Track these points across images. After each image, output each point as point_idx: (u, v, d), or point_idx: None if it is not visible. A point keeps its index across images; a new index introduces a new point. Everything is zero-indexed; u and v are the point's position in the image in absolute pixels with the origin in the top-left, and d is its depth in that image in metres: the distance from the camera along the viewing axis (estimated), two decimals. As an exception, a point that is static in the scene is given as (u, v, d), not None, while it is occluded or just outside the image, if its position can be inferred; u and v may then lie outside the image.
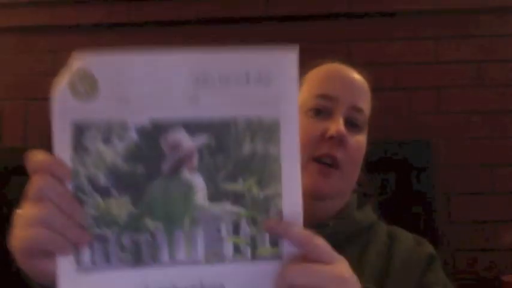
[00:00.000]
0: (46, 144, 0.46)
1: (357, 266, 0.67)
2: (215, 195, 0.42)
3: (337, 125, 0.66)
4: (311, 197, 0.67)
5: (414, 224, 1.43)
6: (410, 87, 1.57)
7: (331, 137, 0.66)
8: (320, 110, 0.68)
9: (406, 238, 0.74)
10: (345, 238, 0.70)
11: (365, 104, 0.73)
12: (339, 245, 0.70)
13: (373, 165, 1.63)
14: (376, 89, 1.71)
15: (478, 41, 1.58)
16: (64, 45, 1.69)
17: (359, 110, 0.70)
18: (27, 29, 1.71)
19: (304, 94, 0.71)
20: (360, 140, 0.70)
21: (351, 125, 0.69)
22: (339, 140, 0.66)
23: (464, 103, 1.55)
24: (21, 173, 1.56)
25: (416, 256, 0.71)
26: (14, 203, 1.66)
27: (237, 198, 0.42)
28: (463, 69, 1.57)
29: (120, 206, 0.41)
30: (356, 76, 0.74)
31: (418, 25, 1.61)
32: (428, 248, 0.73)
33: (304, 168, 0.65)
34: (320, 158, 0.67)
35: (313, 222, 0.69)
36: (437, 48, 1.59)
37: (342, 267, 0.44)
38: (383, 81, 1.58)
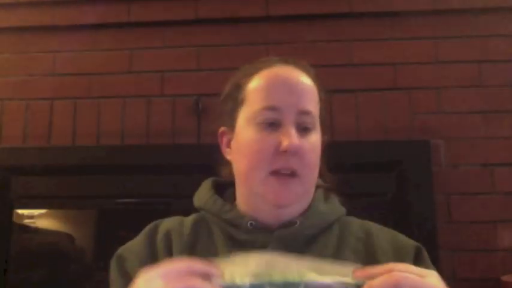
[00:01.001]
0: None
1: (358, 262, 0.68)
2: None
3: (289, 138, 0.68)
4: (275, 206, 0.71)
5: (414, 224, 1.44)
6: (410, 87, 1.57)
7: (286, 151, 0.68)
8: (270, 123, 0.70)
9: (379, 230, 0.76)
10: (315, 233, 0.73)
11: (312, 103, 0.73)
12: (310, 240, 0.72)
13: (373, 165, 1.64)
14: (376, 89, 1.73)
15: (478, 41, 1.58)
16: (64, 45, 1.69)
17: (307, 112, 0.71)
18: (27, 29, 1.71)
19: (252, 106, 0.72)
20: (312, 141, 0.72)
21: (302, 128, 0.70)
22: (293, 152, 0.68)
23: (464, 103, 1.55)
24: (21, 173, 1.58)
25: (400, 248, 0.73)
26: (14, 203, 1.67)
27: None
28: (463, 69, 1.57)
29: None
30: (298, 78, 0.74)
31: (418, 25, 1.61)
32: (410, 240, 0.75)
33: (264, 181, 0.69)
34: (278, 171, 0.69)
35: (281, 222, 0.71)
36: (437, 48, 1.59)
37: (433, 278, 0.54)
38: (383, 81, 1.58)
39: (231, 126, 0.76)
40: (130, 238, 0.79)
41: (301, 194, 0.72)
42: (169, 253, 0.74)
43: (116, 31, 1.69)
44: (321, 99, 0.76)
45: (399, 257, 0.70)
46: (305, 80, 0.74)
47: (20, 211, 1.63)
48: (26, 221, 1.64)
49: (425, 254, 0.73)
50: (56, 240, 1.64)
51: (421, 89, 1.56)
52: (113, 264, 0.75)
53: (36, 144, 1.62)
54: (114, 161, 1.57)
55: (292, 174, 0.69)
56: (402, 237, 0.75)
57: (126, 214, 1.62)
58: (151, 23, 1.67)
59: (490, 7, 1.58)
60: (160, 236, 0.76)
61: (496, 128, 1.52)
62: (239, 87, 0.75)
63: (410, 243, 0.73)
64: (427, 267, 0.68)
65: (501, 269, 1.41)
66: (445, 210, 1.48)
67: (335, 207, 0.78)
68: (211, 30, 1.66)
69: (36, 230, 1.64)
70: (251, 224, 0.72)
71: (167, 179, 1.55)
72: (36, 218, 1.65)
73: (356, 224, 0.77)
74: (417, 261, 0.70)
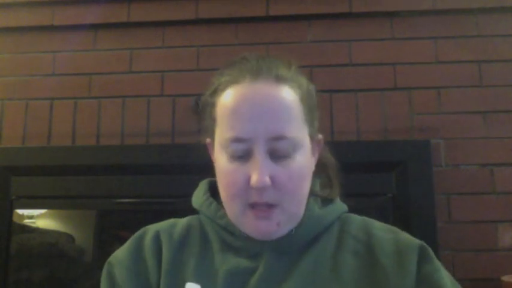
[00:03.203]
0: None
1: (332, 267, 0.67)
2: None
3: (257, 174, 0.62)
4: (261, 237, 0.67)
5: (414, 224, 1.44)
6: (410, 87, 1.57)
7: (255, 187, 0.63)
8: (240, 155, 0.64)
9: (380, 230, 0.72)
10: (312, 237, 0.71)
11: (288, 123, 0.64)
12: (307, 244, 0.70)
13: (373, 165, 1.64)
14: (376, 89, 1.73)
15: (478, 41, 1.58)
16: (64, 45, 1.69)
17: (280, 138, 0.63)
18: (27, 29, 1.71)
19: (221, 132, 0.66)
20: (292, 166, 0.64)
21: (277, 154, 0.64)
22: (264, 188, 0.63)
23: (464, 103, 1.55)
24: (21, 173, 1.58)
25: (403, 248, 0.69)
26: (14, 203, 1.68)
27: None
28: (463, 69, 1.57)
29: None
30: (268, 99, 0.64)
31: (418, 25, 1.61)
32: (411, 238, 0.71)
33: (243, 213, 0.66)
34: (254, 204, 0.65)
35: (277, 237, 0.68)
36: (437, 48, 1.59)
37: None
38: (383, 81, 1.58)
39: (212, 140, 0.71)
40: (126, 240, 0.79)
41: (286, 221, 0.67)
42: (159, 255, 0.72)
43: (116, 31, 1.69)
44: (305, 103, 0.68)
45: (402, 259, 0.67)
46: (278, 96, 0.65)
47: (20, 211, 1.63)
48: (26, 221, 1.64)
49: (430, 252, 0.69)
50: (55, 240, 1.63)
51: (421, 89, 1.56)
52: (104, 271, 0.74)
53: (36, 144, 1.62)
54: (114, 161, 1.57)
55: (270, 205, 0.65)
56: (405, 237, 0.71)
57: (126, 214, 1.62)
58: (151, 23, 1.67)
59: (490, 7, 1.58)
60: (148, 240, 0.74)
61: (496, 128, 1.52)
62: (212, 104, 0.70)
63: (413, 243, 0.69)
64: (433, 266, 0.66)
65: (501, 269, 1.41)
66: (445, 210, 1.48)
67: (333, 208, 0.74)
68: (211, 30, 1.66)
69: (36, 230, 1.64)
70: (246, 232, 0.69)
71: (167, 179, 1.55)
72: (36, 218, 1.65)
73: (356, 223, 0.74)
74: (422, 261, 0.67)
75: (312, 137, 0.71)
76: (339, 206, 0.76)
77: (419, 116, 1.55)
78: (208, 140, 0.73)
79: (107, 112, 1.63)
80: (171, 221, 0.78)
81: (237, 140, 0.64)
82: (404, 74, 1.58)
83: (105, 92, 1.65)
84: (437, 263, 0.68)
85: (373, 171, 1.51)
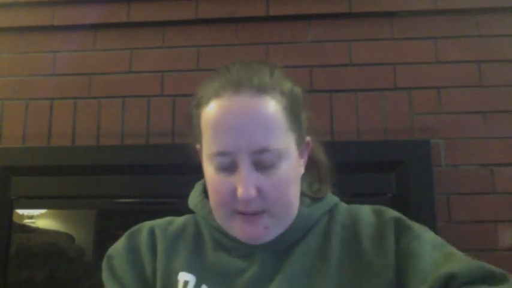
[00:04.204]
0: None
1: (321, 257, 0.69)
2: None
3: (243, 188, 0.63)
4: (249, 241, 0.69)
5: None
6: (410, 87, 1.57)
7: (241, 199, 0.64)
8: (225, 168, 0.65)
9: (366, 215, 0.73)
10: (302, 234, 0.72)
11: (270, 137, 0.64)
12: (297, 240, 0.71)
13: (373, 165, 1.64)
14: (376, 89, 1.73)
15: (478, 41, 1.58)
16: (64, 45, 1.69)
17: (264, 150, 0.64)
18: (27, 29, 1.71)
19: (206, 145, 0.67)
20: (278, 175, 0.65)
21: (261, 165, 0.65)
22: (250, 200, 0.64)
23: (464, 103, 1.55)
24: (21, 173, 1.57)
25: (382, 228, 0.70)
26: (14, 203, 1.67)
27: None
28: (463, 69, 1.57)
29: None
30: (250, 112, 0.64)
31: (418, 25, 1.61)
32: (389, 214, 0.72)
33: (230, 218, 0.67)
34: (241, 212, 0.66)
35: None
36: (437, 48, 1.59)
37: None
38: (383, 81, 1.58)
39: (200, 148, 0.73)
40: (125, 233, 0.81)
41: (274, 224, 0.68)
42: (154, 249, 0.75)
43: (116, 31, 1.69)
44: (288, 111, 0.67)
45: (382, 240, 0.69)
46: (260, 109, 0.64)
47: (20, 211, 1.63)
48: (26, 221, 1.64)
49: (405, 223, 0.70)
50: (55, 240, 1.63)
51: (421, 89, 1.56)
52: (104, 264, 0.77)
53: (36, 144, 1.62)
54: (114, 161, 1.57)
55: (257, 212, 0.66)
56: (385, 216, 0.72)
57: (126, 214, 1.62)
58: (151, 23, 1.67)
59: (490, 7, 1.58)
60: (144, 234, 0.77)
61: (496, 128, 1.52)
62: (197, 116, 0.71)
63: (389, 219, 0.71)
64: (409, 236, 0.68)
65: (501, 269, 1.41)
66: (445, 210, 1.48)
67: (322, 204, 0.75)
68: (211, 30, 1.66)
69: (36, 230, 1.64)
70: None
71: (167, 179, 1.55)
72: (36, 218, 1.65)
73: (344, 211, 0.75)
74: (398, 235, 0.69)
75: (299, 143, 0.71)
76: (329, 200, 0.76)
77: (419, 116, 1.55)
78: (198, 146, 0.75)
79: (107, 112, 1.63)
80: (168, 218, 0.81)
81: (221, 154, 0.65)
82: (404, 74, 1.58)
83: (105, 92, 1.65)
84: (415, 231, 0.69)
85: (373, 171, 1.51)
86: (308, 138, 0.75)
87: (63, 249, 1.63)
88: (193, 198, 0.80)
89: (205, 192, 0.79)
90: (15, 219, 1.61)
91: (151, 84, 1.64)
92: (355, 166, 1.48)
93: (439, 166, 1.50)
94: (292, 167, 0.68)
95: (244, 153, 0.64)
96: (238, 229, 0.68)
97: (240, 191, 0.64)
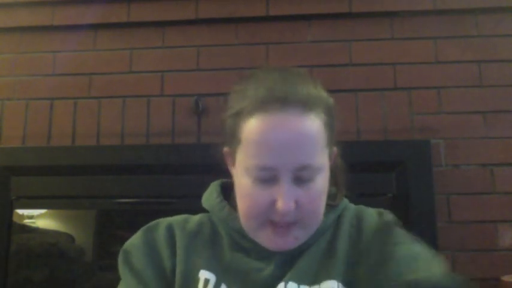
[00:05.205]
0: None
1: (329, 254, 0.71)
2: None
3: (283, 201, 0.65)
4: (277, 250, 0.70)
5: (414, 224, 1.44)
6: (410, 87, 1.57)
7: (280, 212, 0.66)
8: (265, 180, 0.67)
9: (370, 215, 0.76)
10: (316, 239, 0.74)
11: (313, 153, 0.67)
12: (310, 243, 0.72)
13: (373, 165, 1.64)
14: (376, 89, 1.73)
15: (478, 41, 1.58)
16: (64, 45, 1.69)
17: (304, 168, 0.66)
18: (27, 29, 1.71)
19: (247, 156, 0.68)
20: (315, 189, 0.68)
21: (301, 181, 0.67)
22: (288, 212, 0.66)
23: (464, 103, 1.55)
24: (21, 173, 1.58)
25: (382, 225, 0.73)
26: (14, 203, 1.68)
27: None
28: (463, 69, 1.57)
29: None
30: (296, 130, 0.66)
31: (418, 25, 1.61)
32: (386, 217, 0.75)
33: (261, 227, 0.69)
34: (275, 222, 0.68)
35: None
36: (437, 48, 1.59)
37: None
38: (383, 81, 1.58)
39: (233, 154, 0.72)
40: (129, 238, 0.80)
41: (304, 234, 0.70)
42: (173, 245, 0.75)
43: (116, 31, 1.69)
44: (327, 127, 0.70)
45: (374, 240, 0.71)
46: (305, 128, 0.66)
47: (20, 211, 1.63)
48: (26, 221, 1.64)
49: (392, 228, 0.72)
50: (55, 240, 1.63)
51: (421, 89, 1.56)
52: (120, 259, 0.77)
53: (36, 144, 1.62)
54: (114, 161, 1.57)
55: (290, 224, 0.68)
56: (383, 216, 0.76)
57: (126, 214, 1.62)
58: (151, 23, 1.67)
59: (490, 7, 1.58)
60: (161, 230, 0.77)
61: (496, 128, 1.52)
62: (235, 125, 0.70)
63: (382, 221, 0.74)
64: (394, 242, 0.69)
65: (501, 269, 1.42)
66: (445, 210, 1.48)
67: (337, 209, 0.77)
68: (211, 30, 1.66)
69: (36, 230, 1.64)
70: None
71: (167, 179, 1.55)
72: (36, 218, 1.65)
73: (352, 211, 0.78)
74: (386, 241, 0.70)
75: (331, 155, 0.74)
76: (341, 204, 0.79)
77: (419, 116, 1.55)
78: (226, 149, 0.75)
79: (107, 112, 1.63)
80: (184, 216, 0.81)
81: (263, 168, 0.66)
82: (404, 74, 1.58)
83: (105, 92, 1.65)
84: (398, 237, 0.71)
85: (373, 171, 1.51)
86: (335, 149, 0.77)
87: (63, 249, 1.63)
88: (211, 200, 0.79)
89: (222, 193, 0.79)
90: (15, 219, 1.61)
91: (151, 84, 1.64)
92: (355, 166, 1.48)
93: (439, 166, 1.50)
94: (325, 180, 0.71)
95: (287, 169, 0.65)
96: (267, 238, 0.69)
97: (280, 204, 0.65)
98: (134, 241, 0.78)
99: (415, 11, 1.60)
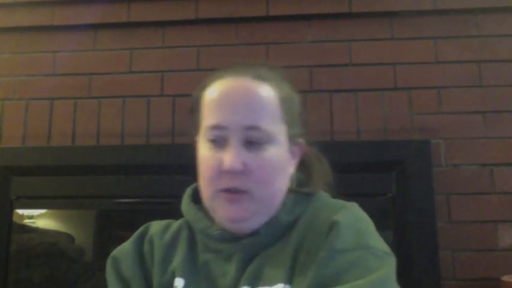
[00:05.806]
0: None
1: (280, 254, 0.68)
2: None
3: (229, 158, 0.67)
4: (230, 222, 0.70)
5: (414, 224, 1.44)
6: (410, 87, 1.57)
7: (227, 170, 0.67)
8: (215, 140, 0.69)
9: (327, 211, 0.69)
10: (280, 235, 0.71)
11: (262, 117, 0.69)
12: (275, 242, 0.70)
13: (373, 165, 1.64)
14: (376, 89, 1.73)
15: (478, 41, 1.58)
16: (64, 45, 1.69)
17: (254, 128, 0.68)
18: (27, 29, 1.71)
19: (204, 122, 0.72)
20: (265, 155, 0.68)
21: (252, 144, 0.68)
22: (236, 172, 0.67)
23: (464, 103, 1.55)
24: (21, 173, 1.57)
25: (322, 231, 0.66)
26: (14, 203, 1.67)
27: None
28: (463, 69, 1.57)
29: None
30: (247, 92, 0.70)
31: (418, 25, 1.61)
32: (344, 215, 0.67)
33: (214, 197, 0.69)
34: (225, 190, 0.68)
35: (246, 232, 0.70)
36: (437, 48, 1.59)
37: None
38: (383, 81, 1.58)
39: (199, 139, 0.75)
40: (129, 238, 0.81)
41: (255, 210, 0.69)
42: (152, 258, 0.77)
43: (116, 31, 1.69)
44: (284, 104, 0.72)
45: (322, 237, 0.65)
46: (258, 91, 0.70)
47: (20, 211, 1.63)
48: (26, 221, 1.64)
49: (332, 235, 0.64)
50: (55, 240, 1.64)
51: (421, 89, 1.56)
52: (108, 265, 0.78)
53: (36, 144, 1.62)
54: (114, 161, 1.57)
55: (240, 191, 0.68)
56: (337, 216, 0.67)
57: (126, 214, 1.62)
58: (151, 23, 1.67)
59: (490, 7, 1.58)
60: (146, 241, 0.79)
61: (496, 128, 1.52)
62: (199, 99, 0.75)
63: (330, 221, 0.66)
64: (328, 248, 0.63)
65: (501, 269, 1.41)
66: (445, 210, 1.48)
67: (301, 207, 0.72)
68: (211, 30, 1.66)
69: (36, 230, 1.64)
70: (218, 233, 0.72)
71: (167, 179, 1.55)
72: (36, 218, 1.65)
73: (324, 215, 0.69)
74: (326, 241, 0.64)
75: (292, 139, 0.74)
76: (314, 199, 0.74)
77: (419, 116, 1.55)
78: (196, 139, 0.76)
79: (107, 112, 1.63)
80: (166, 222, 0.82)
81: (216, 127, 0.69)
82: (404, 74, 1.58)
83: (105, 92, 1.65)
84: (338, 242, 0.63)
85: (373, 171, 1.51)
86: (301, 140, 0.76)
87: (63, 249, 1.63)
88: (184, 203, 0.81)
89: (193, 195, 0.80)
90: (15, 219, 1.61)
91: (151, 84, 1.64)
92: (355, 166, 1.48)
93: (439, 166, 1.50)
94: (280, 154, 0.71)
95: (237, 127, 0.68)
96: (221, 208, 0.69)
97: (226, 162, 0.67)
98: (124, 248, 0.78)
99: (415, 11, 1.60)
